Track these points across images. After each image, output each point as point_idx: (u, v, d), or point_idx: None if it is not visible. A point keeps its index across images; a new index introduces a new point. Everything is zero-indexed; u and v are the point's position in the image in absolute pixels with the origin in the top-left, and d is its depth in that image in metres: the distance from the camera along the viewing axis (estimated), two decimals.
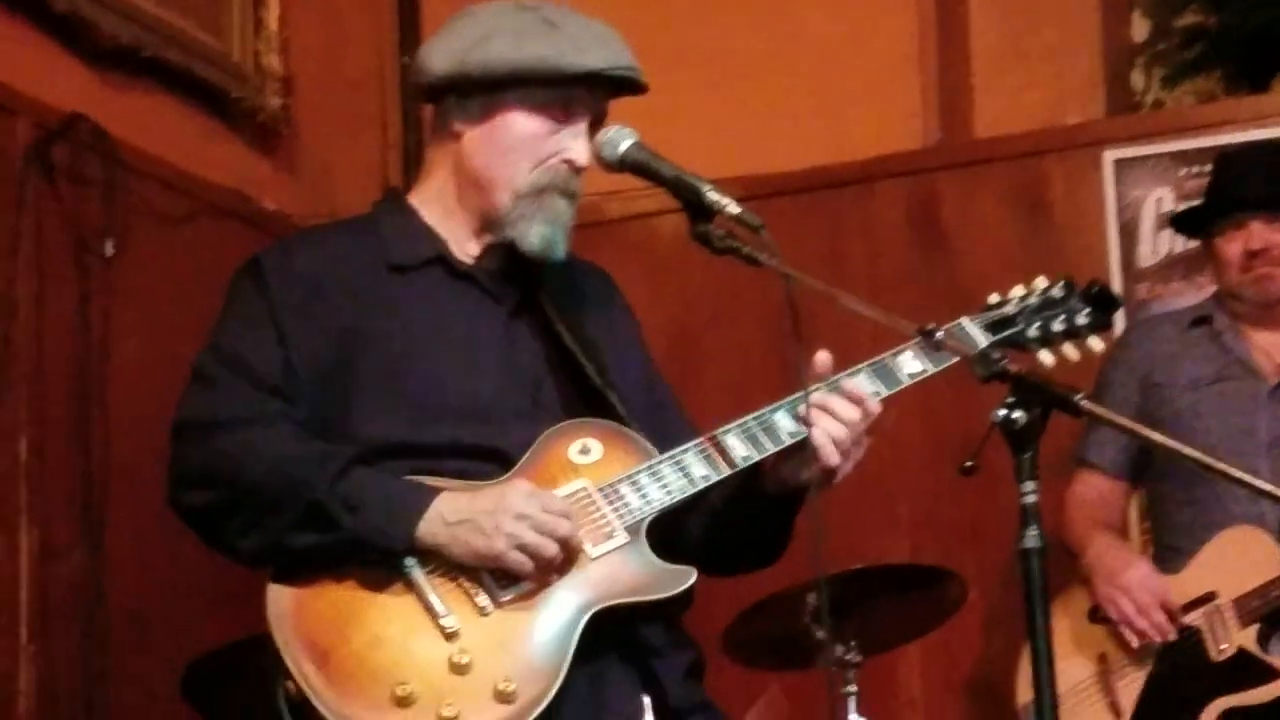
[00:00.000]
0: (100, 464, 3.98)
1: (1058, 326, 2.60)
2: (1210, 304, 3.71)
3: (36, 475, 3.83)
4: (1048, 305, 2.63)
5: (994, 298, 2.64)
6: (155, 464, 3.60)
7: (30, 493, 3.81)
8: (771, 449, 2.52)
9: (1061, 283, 2.66)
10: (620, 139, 2.52)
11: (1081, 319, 2.62)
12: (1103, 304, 2.64)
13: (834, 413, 2.47)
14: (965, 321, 2.60)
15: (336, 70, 4.79)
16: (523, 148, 2.55)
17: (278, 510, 2.44)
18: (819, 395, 2.49)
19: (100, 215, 4.02)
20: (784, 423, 2.51)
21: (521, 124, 2.56)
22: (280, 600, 2.43)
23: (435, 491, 2.43)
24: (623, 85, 2.62)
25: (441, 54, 2.62)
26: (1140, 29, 4.48)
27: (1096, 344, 2.64)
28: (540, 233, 2.57)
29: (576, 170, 2.57)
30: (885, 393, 2.56)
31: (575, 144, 2.56)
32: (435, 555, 2.44)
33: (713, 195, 2.40)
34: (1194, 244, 4.07)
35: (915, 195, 4.50)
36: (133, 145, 4.11)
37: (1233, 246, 3.60)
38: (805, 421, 2.47)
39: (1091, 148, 4.39)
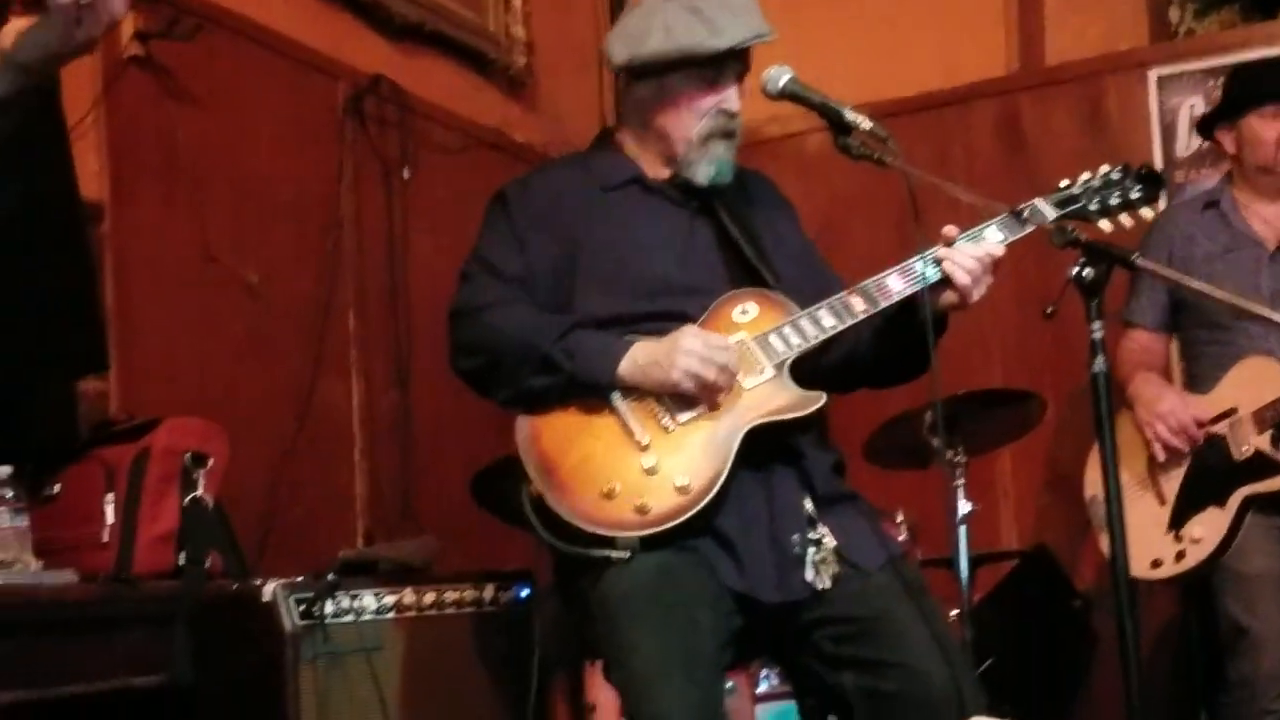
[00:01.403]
0: (405, 330, 4.10)
1: (1114, 201, 2.58)
2: (1218, 189, 3.70)
3: (361, 340, 3.98)
4: (1107, 185, 2.60)
5: (1064, 182, 2.62)
6: (445, 329, 3.74)
7: (358, 352, 3.97)
8: (886, 303, 2.53)
9: (1119, 166, 2.65)
10: (780, 75, 2.56)
11: (1135, 194, 2.60)
12: (1151, 181, 2.62)
13: (964, 254, 2.48)
14: (1038, 201, 2.58)
15: (564, 35, 4.85)
16: (688, 111, 2.60)
17: (520, 364, 2.52)
18: (950, 248, 2.49)
19: (398, 149, 4.13)
20: (919, 267, 2.51)
21: (684, 96, 2.60)
22: (523, 429, 2.51)
23: (630, 342, 2.50)
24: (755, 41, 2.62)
25: (617, 48, 2.67)
26: None
27: (1147, 213, 2.66)
28: (706, 171, 2.62)
29: (731, 115, 2.61)
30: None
31: (728, 96, 2.61)
32: (632, 389, 2.48)
33: (851, 115, 2.46)
34: None
35: (1001, 112, 4.51)
36: (420, 97, 4.22)
37: (1269, 128, 3.51)
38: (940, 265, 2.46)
39: (1139, 68, 4.41)
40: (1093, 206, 2.58)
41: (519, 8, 4.63)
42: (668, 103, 2.63)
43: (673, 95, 2.62)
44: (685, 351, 2.44)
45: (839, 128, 2.46)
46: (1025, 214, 2.53)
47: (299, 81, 3.88)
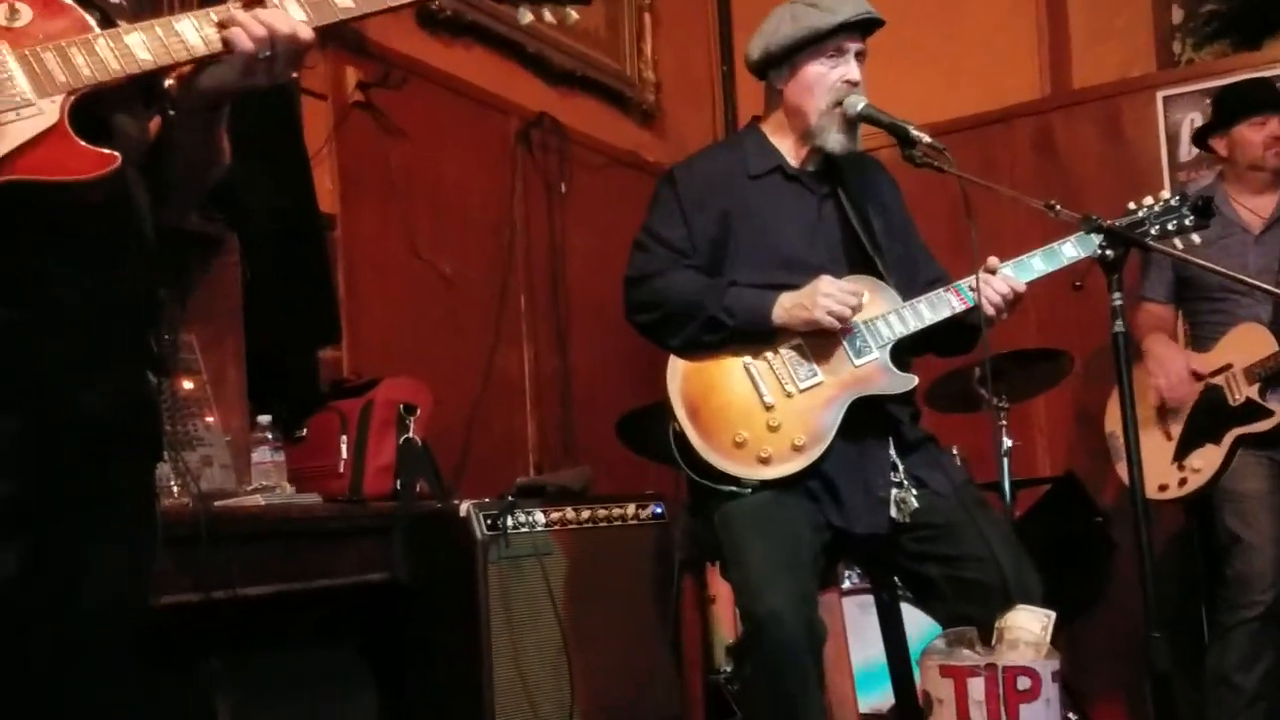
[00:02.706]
0: (564, 308, 4.09)
1: (1172, 226, 2.47)
2: (1212, 186, 3.55)
3: (530, 316, 3.97)
4: (1166, 211, 2.48)
5: (1130, 205, 2.48)
6: (595, 309, 3.79)
7: (527, 326, 3.97)
8: (954, 311, 2.49)
9: (1177, 195, 2.52)
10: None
11: (1188, 221, 2.48)
12: (1203, 210, 2.50)
13: (994, 290, 2.43)
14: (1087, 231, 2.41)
15: (684, 77, 4.81)
16: (817, 84, 2.52)
17: (688, 321, 2.48)
18: (986, 281, 2.44)
19: (557, 169, 4.11)
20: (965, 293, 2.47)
21: (812, 70, 2.52)
22: (674, 373, 2.49)
23: (777, 294, 2.46)
24: (870, 23, 2.54)
25: (755, 47, 2.62)
26: (1177, 15, 4.32)
27: (1196, 239, 2.52)
28: (837, 139, 2.53)
29: (853, 84, 2.52)
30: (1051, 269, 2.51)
31: (848, 68, 2.52)
32: (764, 357, 2.45)
33: (915, 132, 2.41)
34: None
35: (1036, 128, 4.35)
36: (573, 128, 4.20)
37: (1258, 133, 3.43)
38: (977, 292, 2.43)
39: (1148, 90, 4.23)
40: (1153, 230, 2.45)
41: (649, 56, 4.58)
42: (799, 80, 2.55)
43: (802, 72, 2.54)
44: (824, 294, 2.41)
45: (905, 142, 2.42)
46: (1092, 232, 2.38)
47: (481, 118, 3.89)
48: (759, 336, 2.48)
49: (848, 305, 2.41)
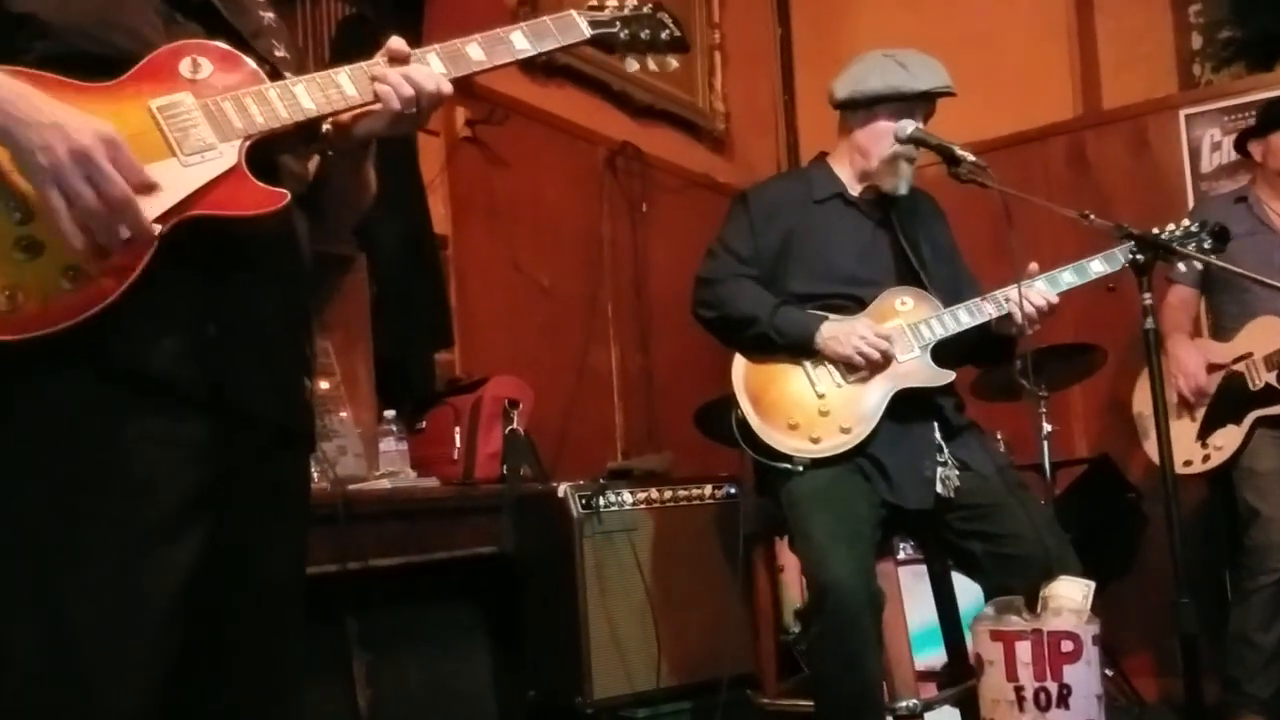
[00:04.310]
0: (646, 314, 4.07)
1: (1192, 247, 2.44)
2: (1245, 189, 3.44)
3: (616, 321, 3.96)
4: (1188, 235, 2.46)
5: (1155, 230, 2.40)
6: (673, 313, 3.77)
7: (614, 329, 3.96)
8: (990, 317, 2.47)
9: (1197, 222, 2.50)
10: (908, 126, 2.49)
11: (1206, 245, 2.46)
12: (1220, 235, 2.48)
13: (1029, 303, 2.40)
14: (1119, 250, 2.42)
15: (751, 109, 4.74)
16: (885, 137, 2.52)
17: (743, 330, 2.51)
18: (1018, 293, 2.40)
19: (639, 191, 4.10)
20: (991, 306, 2.44)
21: (884, 124, 2.53)
22: (738, 368, 2.51)
23: (821, 319, 2.47)
24: (943, 92, 2.56)
25: (843, 87, 2.59)
26: (1197, 41, 4.19)
27: (1216, 262, 2.50)
28: (894, 183, 2.55)
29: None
30: (1079, 282, 2.48)
31: (917, 128, 2.50)
32: (820, 354, 2.46)
33: (959, 151, 2.37)
34: (1231, 158, 3.85)
35: (1070, 145, 4.24)
36: (653, 154, 4.20)
37: None
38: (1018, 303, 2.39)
39: (1172, 110, 4.10)
40: (1176, 257, 2.41)
41: (719, 90, 4.54)
42: (872, 129, 2.55)
43: (876, 123, 2.54)
44: (859, 336, 2.42)
45: (951, 161, 2.39)
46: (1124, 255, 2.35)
47: (572, 148, 3.87)
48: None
49: (877, 349, 2.41)
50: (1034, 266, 2.45)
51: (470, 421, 2.80)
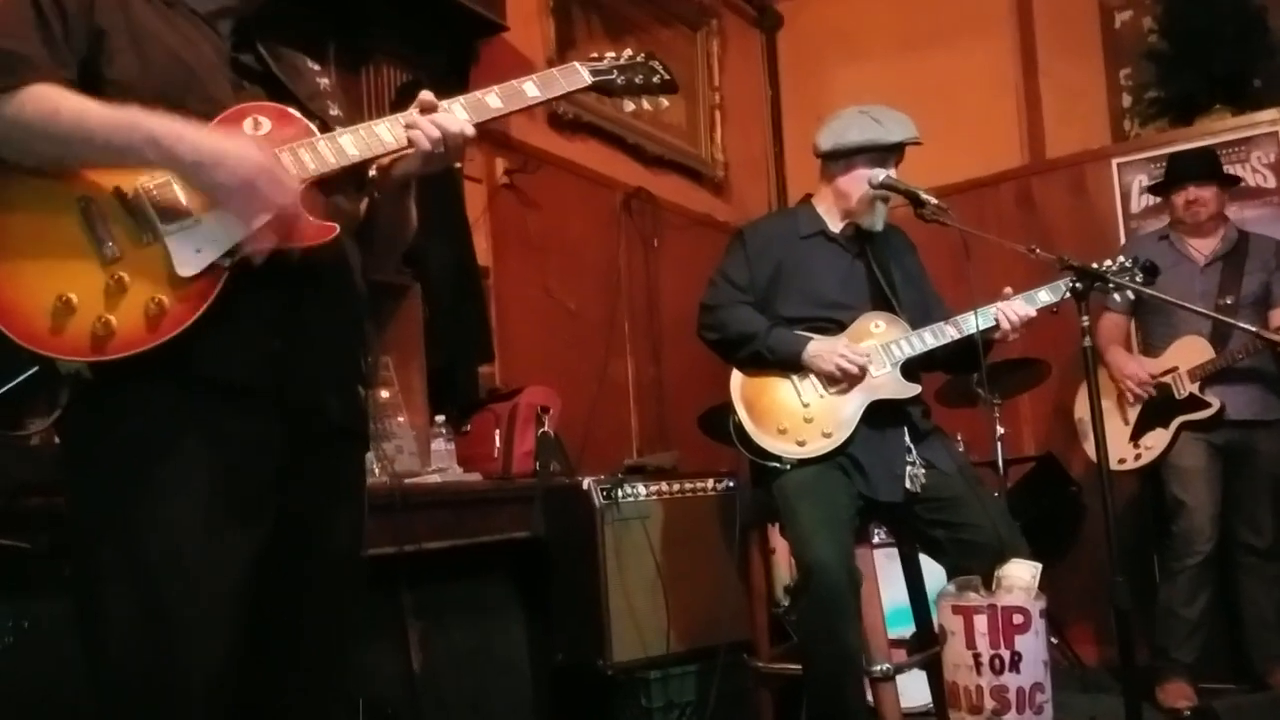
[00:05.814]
0: (658, 332, 4.04)
1: (1126, 279, 2.40)
2: (1166, 229, 3.44)
3: (632, 337, 3.93)
4: (1123, 269, 2.43)
5: (1094, 265, 2.31)
6: (681, 332, 3.75)
7: (630, 345, 3.93)
8: (951, 338, 2.44)
9: (1130, 259, 2.47)
10: (880, 173, 2.48)
11: (1138, 279, 2.43)
12: (1152, 270, 2.47)
13: (1012, 311, 2.40)
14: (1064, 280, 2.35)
15: (746, 157, 4.74)
16: (863, 183, 2.51)
17: (740, 347, 2.49)
18: (1005, 304, 2.39)
19: (651, 228, 4.09)
20: (981, 314, 2.41)
21: (862, 172, 2.51)
22: (735, 380, 2.50)
23: (808, 339, 2.45)
24: (911, 142, 2.53)
25: (825, 140, 2.57)
26: (1127, 100, 4.19)
27: (1149, 292, 2.47)
28: (871, 221, 2.54)
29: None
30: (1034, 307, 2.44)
31: (888, 175, 2.50)
32: (805, 369, 2.43)
33: (924, 195, 2.37)
34: (1156, 202, 3.81)
35: (1018, 189, 4.24)
36: (662, 197, 4.18)
37: (1179, 198, 3.33)
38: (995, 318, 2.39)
39: (1106, 159, 4.11)
40: (1110, 286, 2.37)
41: (719, 142, 4.53)
42: (850, 176, 2.53)
43: (854, 171, 2.52)
44: (839, 354, 2.41)
45: (916, 203, 2.38)
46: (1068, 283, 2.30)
47: (593, 193, 3.85)
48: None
49: (855, 364, 2.40)
50: (1008, 290, 2.46)
51: (508, 425, 2.79)
